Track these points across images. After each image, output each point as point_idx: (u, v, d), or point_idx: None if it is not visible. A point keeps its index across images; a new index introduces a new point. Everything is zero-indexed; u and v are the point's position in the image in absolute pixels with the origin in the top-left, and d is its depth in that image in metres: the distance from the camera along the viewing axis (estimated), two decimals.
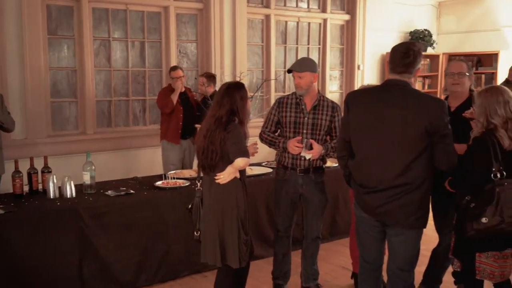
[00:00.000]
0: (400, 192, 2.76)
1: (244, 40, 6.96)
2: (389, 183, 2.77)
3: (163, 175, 4.60)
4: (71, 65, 5.91)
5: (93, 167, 4.15)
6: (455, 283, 4.01)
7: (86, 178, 4.13)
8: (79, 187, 4.14)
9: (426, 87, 9.06)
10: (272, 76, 7.32)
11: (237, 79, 5.94)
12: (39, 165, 4.15)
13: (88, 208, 3.88)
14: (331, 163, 5.20)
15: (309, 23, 7.88)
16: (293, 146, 3.66)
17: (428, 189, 2.83)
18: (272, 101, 7.27)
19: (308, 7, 7.81)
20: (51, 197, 3.98)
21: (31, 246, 3.65)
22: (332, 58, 8.25)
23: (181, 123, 5.67)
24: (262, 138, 3.89)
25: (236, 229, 3.29)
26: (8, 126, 4.27)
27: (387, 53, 7.75)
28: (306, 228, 3.95)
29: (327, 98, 3.91)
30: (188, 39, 6.75)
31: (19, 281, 3.61)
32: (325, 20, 7.96)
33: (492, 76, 8.34)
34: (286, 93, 7.48)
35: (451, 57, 8.90)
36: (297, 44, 7.80)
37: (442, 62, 8.97)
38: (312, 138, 3.71)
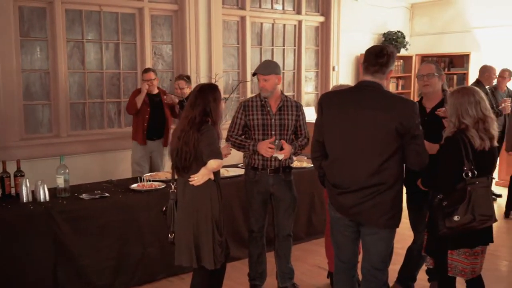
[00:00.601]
0: (373, 192, 2.80)
1: (219, 42, 6.96)
2: (362, 183, 2.82)
3: (139, 178, 4.57)
4: (44, 67, 5.83)
5: (67, 171, 4.11)
6: (429, 280, 4.09)
7: (60, 182, 4.08)
8: (53, 191, 4.09)
9: (399, 88, 9.20)
10: (248, 77, 7.34)
11: (213, 80, 5.95)
12: (11, 168, 4.09)
13: (62, 212, 3.84)
14: (307, 163, 5.25)
15: (284, 25, 7.93)
16: (267, 148, 3.69)
17: (400, 188, 2.89)
18: None
19: (283, 8, 7.85)
20: (24, 201, 3.92)
21: (4, 250, 3.60)
22: (308, 60, 8.31)
23: (146, 124, 5.66)
24: (228, 140, 3.91)
25: (210, 231, 3.30)
26: None
27: (361, 54, 7.84)
28: (278, 226, 3.99)
29: (290, 98, 3.97)
30: (163, 41, 6.72)
31: None
32: (300, 22, 8.02)
33: (464, 77, 8.51)
34: None
35: (424, 58, 9.07)
36: (272, 45, 7.84)
37: (415, 63, 9.11)
38: (281, 139, 3.76)
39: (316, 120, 3.06)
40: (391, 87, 9.06)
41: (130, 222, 4.12)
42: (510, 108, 6.41)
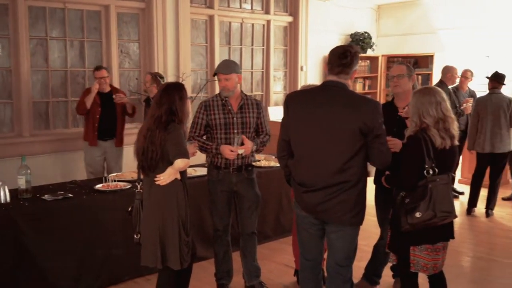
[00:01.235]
0: (338, 190, 2.84)
1: (187, 41, 6.93)
2: (327, 181, 2.85)
3: (103, 178, 4.50)
4: (5, 65, 5.70)
5: (29, 171, 4.01)
6: (393, 276, 4.17)
7: (21, 183, 3.98)
8: (14, 192, 3.98)
9: (366, 88, 9.33)
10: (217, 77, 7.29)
11: (180, 79, 5.92)
12: None
13: (24, 214, 3.74)
14: (275, 163, 5.27)
15: (252, 24, 7.94)
16: (229, 152, 3.69)
17: (364, 186, 2.93)
18: None
19: (251, 8, 7.86)
20: None
21: None
22: (276, 59, 8.35)
23: (97, 125, 5.54)
24: (190, 139, 3.90)
25: (176, 231, 3.28)
26: None
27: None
28: (242, 224, 4.01)
29: (250, 97, 3.98)
30: (130, 39, 6.64)
31: None
32: (268, 22, 8.04)
33: (428, 77, 8.69)
34: None
35: (390, 58, 9.22)
36: (241, 45, 7.84)
37: (381, 64, 9.26)
38: (239, 133, 3.78)
39: (282, 119, 3.07)
40: (358, 87, 9.18)
41: (94, 223, 4.05)
42: (471, 108, 6.57)
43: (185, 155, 3.19)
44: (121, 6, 6.43)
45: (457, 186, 7.52)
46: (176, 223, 3.29)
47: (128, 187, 4.31)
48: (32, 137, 5.82)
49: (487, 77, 6.31)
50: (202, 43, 7.36)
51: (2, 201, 3.83)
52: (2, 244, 3.63)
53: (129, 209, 3.44)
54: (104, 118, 5.56)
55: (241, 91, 3.94)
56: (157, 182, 3.25)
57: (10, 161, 5.21)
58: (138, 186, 3.41)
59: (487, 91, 6.29)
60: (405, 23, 9.20)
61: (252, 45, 8.00)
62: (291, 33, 8.40)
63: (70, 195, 4.09)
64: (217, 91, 7.41)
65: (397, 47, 9.27)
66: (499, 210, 6.43)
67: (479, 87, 7.37)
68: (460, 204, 6.87)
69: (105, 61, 6.37)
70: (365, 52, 9.08)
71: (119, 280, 4.23)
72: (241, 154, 3.77)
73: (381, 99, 9.35)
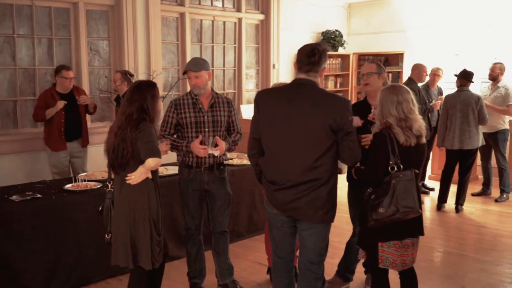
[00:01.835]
0: (309, 188, 2.85)
1: (158, 38, 6.86)
2: (298, 179, 2.86)
3: (73, 178, 4.43)
4: None
5: None
6: (365, 272, 4.21)
7: None
8: None
9: (338, 85, 9.40)
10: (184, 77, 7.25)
11: (151, 78, 5.86)
12: None
13: None
14: (247, 161, 5.26)
15: (224, 22, 7.91)
16: (199, 149, 3.67)
17: (335, 184, 2.95)
18: None
19: (223, 6, 7.83)
20: None
21: None
22: (248, 57, 8.34)
23: (63, 129, 5.40)
24: (162, 142, 3.86)
25: (148, 230, 3.25)
26: None
27: None
28: (213, 223, 3.99)
29: (220, 95, 3.97)
30: (99, 37, 6.54)
31: None
32: (240, 19, 8.03)
33: (398, 75, 8.81)
34: None
35: (361, 56, 9.31)
36: (212, 42, 7.81)
37: (352, 62, 9.34)
38: (214, 135, 3.76)
39: (253, 117, 3.07)
40: (330, 85, 9.25)
41: (64, 224, 3.98)
42: (440, 105, 6.69)
43: (156, 154, 3.16)
44: (90, 3, 6.32)
45: (428, 182, 7.65)
46: (148, 223, 3.26)
47: (98, 186, 4.25)
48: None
49: (456, 75, 6.43)
50: (173, 40, 7.30)
51: None
52: None
53: (100, 208, 3.39)
54: (69, 120, 5.43)
55: (212, 89, 3.92)
56: (128, 182, 3.21)
57: None
58: (109, 185, 3.36)
59: (455, 89, 6.41)
60: (376, 22, 9.30)
61: (224, 43, 7.97)
62: (263, 31, 8.41)
63: (39, 195, 4.01)
64: (187, 89, 7.38)
65: (368, 45, 9.37)
66: (468, 206, 6.57)
67: (448, 84, 7.51)
68: (430, 200, 6.99)
69: (74, 59, 6.26)
70: (337, 50, 9.15)
71: (91, 280, 4.18)
72: (217, 156, 3.77)
73: (353, 96, 9.44)
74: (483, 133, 6.76)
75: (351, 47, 9.48)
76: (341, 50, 9.27)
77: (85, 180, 4.37)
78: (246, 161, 5.26)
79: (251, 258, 4.81)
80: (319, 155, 2.81)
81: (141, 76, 6.27)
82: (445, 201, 6.52)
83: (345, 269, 4.10)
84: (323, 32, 9.05)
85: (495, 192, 7.07)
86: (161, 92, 6.51)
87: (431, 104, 6.79)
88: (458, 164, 6.42)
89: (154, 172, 3.32)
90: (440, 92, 7.26)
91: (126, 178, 3.21)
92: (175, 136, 3.88)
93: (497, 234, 5.57)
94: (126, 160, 3.17)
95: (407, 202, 2.96)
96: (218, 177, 3.90)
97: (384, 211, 2.95)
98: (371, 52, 9.22)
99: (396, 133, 2.99)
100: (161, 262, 3.36)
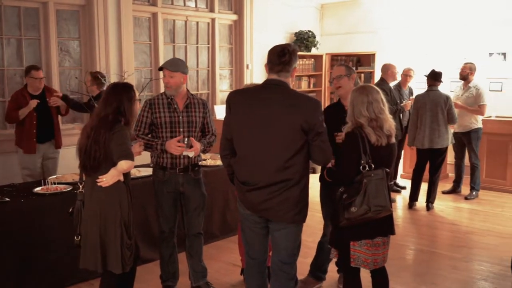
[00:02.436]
0: (281, 188, 2.85)
1: (130, 38, 6.79)
2: (270, 180, 2.86)
3: (42, 181, 4.35)
4: None
5: None
6: (338, 271, 4.25)
7: None
8: None
9: (311, 86, 9.45)
10: (161, 75, 7.19)
11: (122, 78, 5.79)
12: None
13: None
14: (220, 162, 5.25)
15: (197, 22, 7.88)
16: (176, 146, 3.65)
17: (306, 184, 2.96)
18: None
19: (196, 6, 7.80)
20: None
21: None
22: (222, 58, 8.32)
23: (35, 130, 5.31)
24: (136, 138, 3.83)
25: (119, 234, 3.22)
26: None
27: None
28: (188, 225, 3.96)
29: (196, 96, 3.96)
30: (70, 37, 6.45)
31: None
32: (213, 20, 8.01)
33: (371, 75, 8.91)
34: None
35: (334, 57, 9.39)
36: (186, 43, 7.77)
37: (325, 62, 9.41)
38: (189, 136, 3.75)
39: (225, 118, 3.07)
40: (303, 85, 9.30)
41: (34, 228, 3.91)
42: (410, 106, 6.79)
43: (129, 156, 3.13)
44: (60, 3, 6.22)
45: (399, 181, 7.76)
46: (119, 226, 3.23)
47: (68, 189, 4.18)
48: None
49: (425, 75, 6.53)
50: (146, 41, 7.24)
51: None
52: None
53: (70, 210, 3.34)
54: (41, 121, 5.34)
55: (187, 91, 3.89)
56: (99, 184, 3.17)
57: None
58: (80, 186, 3.32)
59: (426, 89, 6.51)
60: (348, 22, 9.38)
61: (197, 43, 7.94)
62: (236, 32, 8.40)
63: (7, 199, 3.92)
64: (161, 89, 7.33)
65: (340, 46, 9.45)
66: (439, 204, 6.69)
67: (418, 84, 7.62)
68: (402, 199, 7.09)
69: (44, 60, 6.16)
70: (310, 51, 9.21)
71: (61, 285, 4.10)
72: (191, 157, 3.75)
73: (326, 96, 9.51)
74: (457, 132, 6.91)
75: (324, 47, 9.54)
76: (314, 51, 9.33)
77: (55, 183, 4.30)
78: (219, 162, 5.25)
79: (224, 259, 4.81)
80: (290, 155, 2.82)
81: (113, 77, 6.20)
82: (416, 199, 6.62)
83: (317, 269, 4.13)
84: (296, 33, 9.09)
85: (464, 190, 7.21)
86: None
87: (402, 104, 6.89)
88: (429, 163, 6.52)
89: (126, 175, 3.29)
90: (411, 92, 7.38)
91: (98, 180, 3.17)
92: (149, 136, 3.85)
93: (467, 231, 5.68)
94: (98, 162, 3.13)
95: (379, 201, 3.00)
96: (193, 179, 3.88)
97: (356, 210, 2.97)
98: (343, 53, 9.30)
99: (367, 133, 3.03)
100: (132, 265, 3.33)
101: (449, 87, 7.58)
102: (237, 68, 8.52)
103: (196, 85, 8.07)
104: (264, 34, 8.50)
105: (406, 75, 7.24)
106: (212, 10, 7.97)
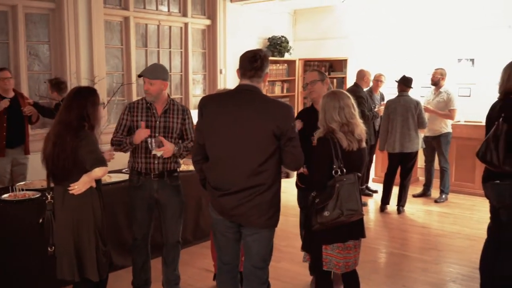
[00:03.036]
0: (253, 193, 2.86)
1: (101, 42, 6.71)
2: (242, 185, 2.86)
3: (10, 187, 4.25)
4: None
5: None
6: (311, 274, 4.27)
7: None
8: None
9: (284, 91, 9.50)
10: (133, 79, 7.16)
11: (92, 83, 5.73)
12: None
13: None
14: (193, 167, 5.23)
15: (170, 27, 7.85)
16: (138, 132, 3.60)
17: (278, 189, 2.97)
18: None
19: (168, 10, 7.77)
20: None
21: None
22: (195, 62, 8.30)
23: (4, 133, 5.23)
24: (112, 143, 3.80)
25: (93, 241, 3.18)
26: None
27: None
28: (166, 233, 3.91)
29: (177, 102, 3.94)
30: (39, 40, 6.34)
31: None
32: (186, 24, 7.98)
33: (343, 80, 9.00)
34: None
35: (306, 62, 9.45)
36: (158, 47, 7.72)
37: (298, 67, 9.46)
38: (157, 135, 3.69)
39: (197, 123, 3.06)
40: (277, 90, 9.34)
41: (2, 236, 3.80)
42: (382, 111, 6.89)
43: (103, 163, 3.09)
44: (29, 6, 6.12)
45: (371, 185, 7.85)
46: (93, 233, 3.19)
47: (37, 196, 4.09)
48: None
49: (396, 81, 6.64)
50: (117, 45, 7.17)
51: None
52: None
53: (41, 220, 3.27)
54: (12, 126, 5.25)
55: (169, 96, 3.86)
56: (71, 192, 3.12)
57: None
58: (49, 196, 3.25)
59: (396, 94, 6.61)
60: (320, 28, 9.47)
61: (170, 47, 7.90)
62: (210, 36, 8.40)
63: None
64: (133, 94, 7.28)
65: (313, 51, 9.52)
66: (410, 207, 6.79)
67: (389, 90, 7.74)
68: (374, 202, 7.18)
69: (13, 64, 6.04)
70: (283, 56, 9.26)
71: None
72: (159, 156, 3.67)
73: (299, 101, 9.57)
74: (428, 136, 7.04)
75: (297, 53, 9.61)
76: (287, 56, 9.38)
77: (23, 189, 4.21)
78: (192, 167, 5.22)
79: (198, 265, 4.78)
80: (262, 160, 2.83)
81: (83, 81, 6.12)
82: (388, 203, 6.70)
83: None
84: (269, 38, 9.14)
85: (435, 193, 7.34)
86: (104, 98, 6.39)
87: (375, 109, 6.98)
88: (400, 167, 6.62)
89: (98, 180, 3.25)
90: (382, 98, 7.48)
91: (69, 188, 3.12)
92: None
93: (437, 234, 5.78)
94: (67, 170, 3.08)
95: (351, 205, 3.03)
96: (169, 185, 3.82)
97: (329, 214, 3.00)
98: (316, 58, 9.37)
99: (339, 138, 3.06)
100: (107, 272, 3.29)
101: (420, 92, 7.72)
102: (210, 73, 8.51)
103: (169, 90, 8.02)
104: (238, 39, 8.51)
105: (378, 80, 7.34)
106: (185, 14, 7.95)
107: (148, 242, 3.92)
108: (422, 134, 6.75)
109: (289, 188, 7.14)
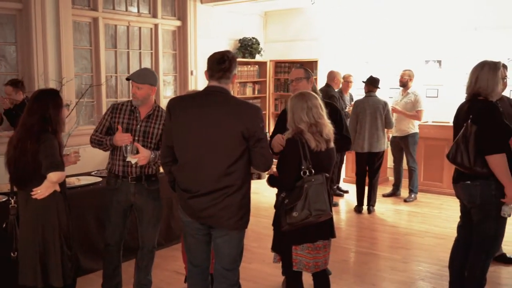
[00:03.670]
0: (222, 195, 2.85)
1: (70, 43, 6.61)
2: (211, 186, 2.86)
3: None
4: None
5: None
6: (283, 274, 4.28)
7: None
8: None
9: (256, 92, 9.52)
10: (102, 80, 7.07)
11: (58, 84, 5.65)
12: None
13: None
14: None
15: (140, 28, 7.77)
16: (120, 136, 3.56)
17: (248, 190, 2.98)
18: (104, 108, 7.03)
19: (138, 11, 7.69)
20: None
21: None
22: (165, 64, 8.24)
23: None
24: (91, 141, 3.76)
25: (58, 245, 3.13)
26: None
27: None
28: (142, 238, 3.86)
29: (162, 108, 3.85)
30: (5, 41, 6.20)
31: None
32: (156, 25, 7.92)
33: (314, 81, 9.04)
34: (119, 99, 7.31)
35: (278, 64, 9.50)
36: (128, 48, 7.64)
37: (269, 69, 9.51)
38: (142, 145, 3.64)
39: (165, 125, 3.05)
40: (248, 92, 9.35)
41: None
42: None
43: (58, 167, 3.03)
44: None
45: (342, 185, 7.94)
46: (58, 238, 3.14)
47: (3, 200, 3.99)
48: None
49: (363, 81, 6.74)
50: (86, 46, 7.07)
51: None
52: None
53: (4, 225, 3.21)
54: None
55: (155, 101, 3.82)
56: (34, 196, 3.07)
57: None
58: (12, 201, 3.19)
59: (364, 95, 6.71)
60: (291, 30, 9.52)
61: (140, 49, 7.82)
62: (180, 38, 8.35)
63: None
64: (103, 96, 7.19)
65: (284, 52, 9.57)
66: (380, 207, 6.88)
67: (357, 91, 7.84)
68: (345, 203, 7.25)
69: None
70: (254, 58, 9.28)
71: None
72: (134, 163, 3.62)
73: (270, 102, 9.61)
74: (396, 137, 7.16)
75: (268, 54, 9.64)
76: (258, 58, 9.41)
77: None
78: (162, 169, 5.19)
79: (169, 267, 4.75)
80: (231, 162, 2.83)
81: (51, 83, 6.02)
82: (363, 204, 6.75)
83: None
84: (240, 39, 9.14)
85: (404, 192, 7.46)
86: (73, 99, 6.30)
87: (346, 110, 7.07)
88: (368, 167, 6.70)
89: (62, 184, 3.20)
90: (351, 98, 7.58)
91: (32, 193, 3.07)
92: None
93: (406, 233, 5.88)
94: (29, 174, 3.03)
95: (319, 205, 3.04)
96: (147, 189, 3.76)
97: (298, 214, 3.01)
98: (287, 60, 9.43)
99: (307, 138, 3.08)
100: (73, 277, 3.24)
101: (388, 93, 7.84)
102: (181, 74, 8.46)
103: None
104: (209, 40, 8.49)
105: (347, 81, 7.44)
106: (155, 15, 7.89)
107: (120, 247, 3.87)
108: (390, 134, 6.87)
109: (261, 189, 7.17)
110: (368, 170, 6.69)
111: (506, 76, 3.96)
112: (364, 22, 8.68)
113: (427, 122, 7.64)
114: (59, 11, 6.42)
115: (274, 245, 3.32)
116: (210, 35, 8.58)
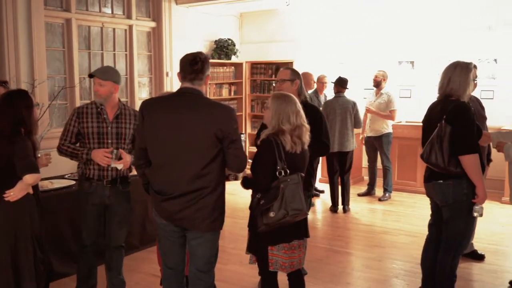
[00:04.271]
0: (196, 197, 2.85)
1: (42, 45, 6.51)
2: (185, 188, 2.85)
3: None
4: None
5: None
6: (260, 274, 4.30)
7: None
8: None
9: (232, 93, 9.52)
10: (76, 81, 6.99)
11: (30, 86, 5.57)
12: None
13: None
14: None
15: (114, 29, 7.71)
16: (103, 156, 3.54)
17: (222, 191, 2.98)
18: None
19: (112, 12, 7.63)
20: None
21: None
22: (140, 65, 8.19)
23: None
24: (61, 151, 3.69)
25: (31, 249, 3.09)
26: None
27: None
28: (110, 237, 3.85)
29: (128, 107, 3.88)
30: None
31: None
32: (130, 27, 7.87)
33: None
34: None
35: (254, 65, 9.52)
36: (102, 50, 7.57)
37: (245, 70, 9.52)
38: (118, 148, 3.64)
39: (138, 127, 3.03)
40: (224, 93, 9.35)
41: None
42: None
43: (34, 169, 3.01)
44: None
45: (318, 185, 7.99)
46: (30, 241, 3.10)
47: None
48: None
49: (332, 82, 6.83)
50: (59, 47, 6.98)
51: None
52: None
53: None
54: None
55: (119, 101, 3.79)
56: (7, 199, 3.03)
57: None
58: None
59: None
60: (267, 31, 9.55)
61: (114, 50, 7.76)
62: (155, 39, 8.31)
63: None
64: (76, 98, 7.11)
65: (260, 54, 9.59)
66: (354, 206, 6.96)
67: (331, 92, 7.90)
68: (321, 202, 7.31)
69: None
70: (230, 59, 9.28)
71: None
72: (120, 169, 3.64)
73: (246, 104, 9.63)
74: (370, 137, 7.26)
75: (244, 55, 9.66)
76: (234, 59, 9.42)
77: None
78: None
79: (144, 270, 4.73)
80: (205, 163, 2.83)
81: (23, 85, 5.93)
82: (338, 203, 6.81)
83: None
84: (216, 41, 9.14)
85: (378, 192, 7.55)
86: (45, 102, 6.21)
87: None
88: (339, 166, 6.76)
89: (35, 187, 3.17)
90: (326, 99, 7.64)
91: (5, 195, 3.02)
92: (77, 145, 3.71)
93: (381, 231, 5.95)
94: (2, 177, 2.99)
95: (296, 204, 3.06)
96: (121, 191, 3.77)
97: (275, 215, 3.03)
98: (263, 61, 9.46)
99: (283, 140, 3.09)
100: (46, 281, 3.20)
101: (362, 94, 7.93)
102: (156, 76, 8.42)
103: None
104: (184, 42, 8.46)
105: (322, 82, 7.50)
106: (129, 17, 7.83)
107: (96, 249, 3.85)
108: (364, 134, 6.95)
109: (237, 191, 7.16)
110: (339, 170, 6.76)
111: (476, 76, 4.04)
112: (339, 23, 8.77)
113: (400, 122, 7.75)
114: (31, 12, 6.32)
115: (250, 246, 3.32)
116: (185, 36, 8.55)
